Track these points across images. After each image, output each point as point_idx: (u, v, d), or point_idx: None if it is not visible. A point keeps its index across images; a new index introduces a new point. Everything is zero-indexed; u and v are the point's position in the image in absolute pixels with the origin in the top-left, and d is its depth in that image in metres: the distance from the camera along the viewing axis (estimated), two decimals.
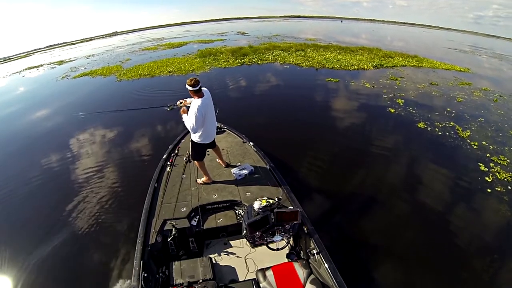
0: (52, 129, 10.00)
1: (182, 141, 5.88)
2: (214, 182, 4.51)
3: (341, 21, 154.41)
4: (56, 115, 11.44)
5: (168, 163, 4.96)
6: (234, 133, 6.12)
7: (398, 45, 35.45)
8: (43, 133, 9.67)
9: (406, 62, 19.38)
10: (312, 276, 2.98)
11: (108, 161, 7.29)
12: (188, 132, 5.52)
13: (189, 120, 3.88)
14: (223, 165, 4.95)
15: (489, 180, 6.10)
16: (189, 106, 4.10)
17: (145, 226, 3.55)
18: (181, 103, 4.48)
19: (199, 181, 4.53)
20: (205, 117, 3.95)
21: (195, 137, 4.23)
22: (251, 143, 5.55)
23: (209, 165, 4.79)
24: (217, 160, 5.04)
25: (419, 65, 19.08)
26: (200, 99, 3.87)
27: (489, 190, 5.78)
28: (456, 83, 14.57)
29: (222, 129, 6.26)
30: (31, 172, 7.02)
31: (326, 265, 2.95)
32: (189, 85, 3.75)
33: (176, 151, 5.36)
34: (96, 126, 9.65)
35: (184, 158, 5.11)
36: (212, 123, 4.32)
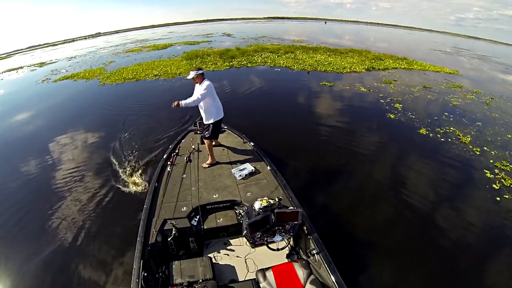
0: (32, 135, 9.45)
1: (183, 140, 5.95)
2: (214, 181, 4.60)
3: (325, 22, 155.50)
4: (36, 121, 10.78)
5: (169, 162, 5.01)
6: (235, 133, 6.17)
7: (385, 46, 35.78)
8: (19, 139, 9.23)
9: (397, 65, 19.36)
10: (312, 277, 3.00)
11: (105, 162, 7.12)
12: (189, 132, 6.29)
13: (193, 96, 4.63)
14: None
15: (496, 187, 6.01)
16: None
17: (145, 226, 3.57)
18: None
19: (205, 165, 4.98)
20: (212, 94, 4.75)
21: (212, 118, 4.92)
22: (252, 143, 5.58)
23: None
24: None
25: (410, 67, 19.10)
26: (206, 79, 4.67)
27: (498, 198, 5.68)
28: (448, 86, 14.61)
29: (223, 129, 6.19)
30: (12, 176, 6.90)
31: (326, 266, 2.96)
32: (195, 70, 4.61)
33: (177, 151, 5.42)
34: (79, 130, 9.25)
35: (185, 158, 5.17)
36: (219, 101, 4.99)
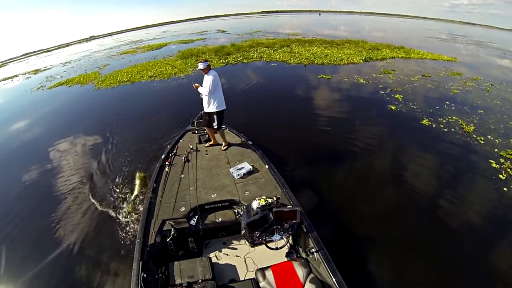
0: (26, 144, 9.35)
1: (181, 141, 5.89)
2: (213, 180, 4.61)
3: (319, 14, 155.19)
4: (31, 130, 10.62)
5: (167, 163, 4.97)
6: (233, 132, 6.09)
7: (381, 36, 35.68)
8: (14, 149, 9.18)
9: (395, 54, 19.21)
10: (311, 275, 2.99)
11: (100, 166, 7.12)
12: (187, 132, 6.28)
13: (205, 87, 5.01)
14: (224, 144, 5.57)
15: (503, 177, 5.90)
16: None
17: (144, 227, 3.55)
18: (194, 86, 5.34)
19: (223, 148, 5.45)
20: (219, 84, 5.15)
21: (217, 106, 5.21)
22: (250, 142, 5.53)
23: (208, 165, 4.99)
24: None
25: (407, 56, 18.95)
26: (212, 70, 5.07)
27: (505, 189, 5.57)
28: (447, 74, 14.48)
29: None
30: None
31: (325, 264, 2.95)
32: (203, 62, 4.98)
33: (175, 151, 5.38)
34: (73, 137, 9.12)
35: (183, 158, 5.13)
36: (222, 92, 5.32)
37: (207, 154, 5.35)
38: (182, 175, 4.68)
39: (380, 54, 19.00)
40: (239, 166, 4.74)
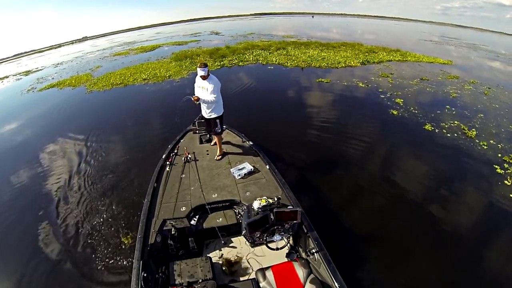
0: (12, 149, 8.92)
1: (182, 140, 5.89)
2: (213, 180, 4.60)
3: (312, 16, 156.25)
4: (19, 134, 10.14)
5: (168, 162, 4.98)
6: (234, 132, 6.10)
7: (376, 38, 35.71)
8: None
9: (391, 57, 19.22)
10: (311, 276, 3.00)
11: (106, 162, 7.19)
12: (188, 131, 6.21)
13: (211, 94, 4.69)
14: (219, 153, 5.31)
15: (508, 183, 5.85)
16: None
17: (145, 226, 3.56)
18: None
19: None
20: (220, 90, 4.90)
21: (218, 111, 5.05)
22: (251, 143, 5.54)
23: (208, 165, 4.99)
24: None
25: (404, 59, 19.02)
26: (211, 75, 4.76)
27: (511, 195, 5.47)
28: (444, 77, 14.54)
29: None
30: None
31: (326, 265, 2.95)
32: (204, 67, 4.56)
33: (176, 151, 5.38)
34: (66, 139, 8.85)
35: (183, 158, 5.10)
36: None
37: (208, 154, 5.33)
38: (183, 175, 4.68)
39: (377, 57, 18.98)
40: (240, 167, 4.76)
